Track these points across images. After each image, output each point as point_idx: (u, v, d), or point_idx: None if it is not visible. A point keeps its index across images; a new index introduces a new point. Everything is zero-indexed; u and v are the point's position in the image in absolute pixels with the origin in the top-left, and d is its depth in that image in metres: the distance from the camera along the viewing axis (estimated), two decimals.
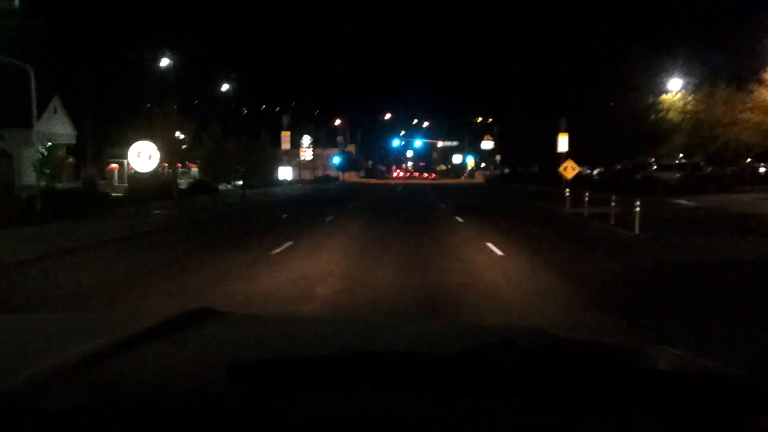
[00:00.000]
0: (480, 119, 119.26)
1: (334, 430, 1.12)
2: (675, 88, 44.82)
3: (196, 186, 38.06)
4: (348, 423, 1.15)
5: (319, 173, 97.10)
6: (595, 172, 62.41)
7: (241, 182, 44.72)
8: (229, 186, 48.45)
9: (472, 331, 2.60)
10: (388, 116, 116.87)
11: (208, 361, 1.64)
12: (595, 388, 1.21)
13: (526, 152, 71.39)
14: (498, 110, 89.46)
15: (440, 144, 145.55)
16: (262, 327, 2.32)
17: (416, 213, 27.88)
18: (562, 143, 47.10)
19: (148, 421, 1.14)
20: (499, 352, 1.38)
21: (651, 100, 46.92)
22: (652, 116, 46.18)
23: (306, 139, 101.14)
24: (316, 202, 36.28)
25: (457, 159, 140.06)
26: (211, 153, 34.44)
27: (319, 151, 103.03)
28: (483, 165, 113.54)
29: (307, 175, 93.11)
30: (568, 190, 28.15)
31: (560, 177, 62.67)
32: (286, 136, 48.99)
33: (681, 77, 45.57)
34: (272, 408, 1.21)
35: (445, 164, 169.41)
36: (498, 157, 79.80)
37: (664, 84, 45.67)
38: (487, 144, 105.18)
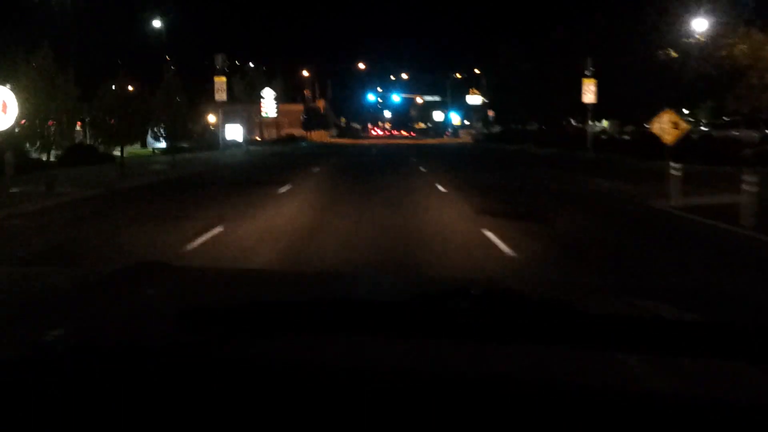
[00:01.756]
0: (461, 75, 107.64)
1: (286, 376, 1.11)
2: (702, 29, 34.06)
3: (74, 153, 26.53)
4: (299, 368, 1.14)
5: (284, 132, 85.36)
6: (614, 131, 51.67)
7: (161, 145, 33.22)
8: (152, 149, 36.96)
9: (431, 281, 2.91)
10: (362, 66, 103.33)
11: (156, 311, 1.63)
12: (541, 331, 1.27)
13: (524, 107, 60.32)
14: (488, 60, 77.94)
15: (420, 99, 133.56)
16: (211, 279, 2.25)
17: (394, 193, 16.97)
18: (589, 92, 36.20)
19: (98, 372, 1.13)
20: (453, 298, 1.45)
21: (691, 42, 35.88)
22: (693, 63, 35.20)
23: (268, 93, 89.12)
24: (265, 171, 25.73)
25: (438, 116, 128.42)
26: (107, 107, 23.31)
27: (283, 107, 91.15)
28: (467, 123, 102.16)
29: (270, 135, 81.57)
30: (674, 165, 14.97)
31: (570, 137, 52.08)
32: (220, 83, 37.01)
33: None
34: (220, 355, 1.19)
35: (425, 122, 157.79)
36: (491, 113, 68.48)
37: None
38: (473, 99, 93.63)
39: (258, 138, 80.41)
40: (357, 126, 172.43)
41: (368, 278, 2.91)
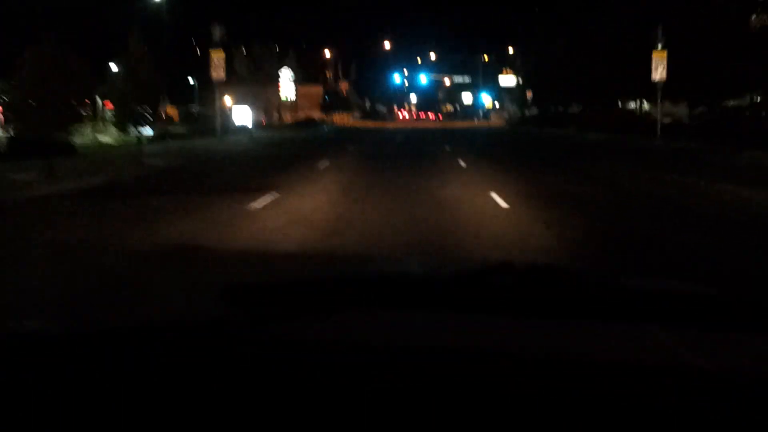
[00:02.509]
0: (492, 55, 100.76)
1: (334, 352, 1.11)
2: None
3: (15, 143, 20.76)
4: (346, 344, 1.15)
5: (305, 115, 79.64)
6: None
7: (146, 131, 27.63)
8: (138, 132, 31.37)
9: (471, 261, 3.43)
10: (387, 47, 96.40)
11: (198, 289, 1.62)
12: (584, 306, 1.32)
13: (565, 87, 53.84)
14: (524, 36, 71.42)
15: (448, 81, 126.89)
16: (250, 261, 2.20)
17: (433, 212, 10.90)
18: (660, 67, 29.91)
19: (146, 349, 1.13)
20: (496, 273, 1.47)
21: None
22: None
23: (286, 73, 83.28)
24: (257, 169, 20.05)
25: (467, 98, 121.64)
26: (27, 83, 17.68)
27: (303, 88, 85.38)
28: (497, 106, 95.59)
29: (289, 118, 75.95)
30: None
31: (622, 121, 45.62)
32: (218, 59, 30.94)
33: None
34: (269, 332, 1.20)
35: (453, 105, 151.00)
36: (530, 94, 62.08)
37: None
38: (506, 79, 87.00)
39: (276, 121, 74.90)
40: (382, 108, 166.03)
41: (410, 259, 3.18)
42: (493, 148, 33.31)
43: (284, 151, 28.31)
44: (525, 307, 1.29)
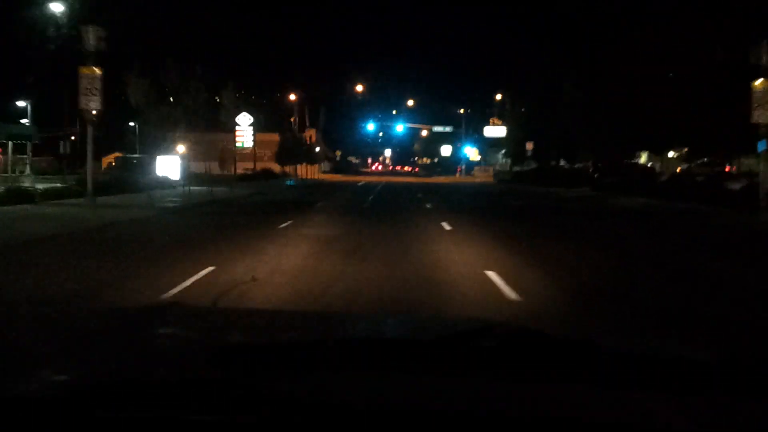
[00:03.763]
0: (475, 104, 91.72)
1: (320, 414, 1.14)
2: None
3: None
4: (332, 406, 1.17)
5: (264, 167, 69.24)
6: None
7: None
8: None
9: (452, 321, 3.20)
10: (359, 91, 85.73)
11: (184, 350, 1.63)
12: (565, 370, 1.34)
13: (582, 137, 44.10)
14: (521, 79, 62.08)
15: (427, 131, 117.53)
16: (229, 319, 2.28)
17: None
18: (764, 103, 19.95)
19: (135, 409, 1.15)
20: (476, 337, 1.50)
21: None
22: None
23: (243, 119, 73.18)
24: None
25: (446, 150, 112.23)
26: None
27: (263, 136, 75.08)
28: (479, 159, 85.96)
29: (242, 170, 65.46)
30: None
31: (665, 180, 34.89)
32: (88, 79, 20.07)
33: None
34: (257, 392, 1.21)
35: (430, 157, 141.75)
36: (530, 147, 52.18)
37: None
38: (494, 130, 77.46)
39: (227, 173, 64.49)
40: (354, 160, 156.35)
41: (390, 319, 3.03)
42: (491, 213, 23.21)
43: (221, 222, 17.84)
44: (506, 371, 1.31)
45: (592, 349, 1.48)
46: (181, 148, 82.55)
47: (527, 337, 1.53)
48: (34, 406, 1.14)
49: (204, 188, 35.73)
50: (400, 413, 1.11)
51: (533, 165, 61.91)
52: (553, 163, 57.53)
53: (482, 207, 27.63)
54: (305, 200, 28.68)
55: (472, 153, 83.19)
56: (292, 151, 65.99)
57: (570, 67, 46.54)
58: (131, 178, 33.73)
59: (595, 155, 46.22)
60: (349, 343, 1.52)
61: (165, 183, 33.64)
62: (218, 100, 75.64)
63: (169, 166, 36.33)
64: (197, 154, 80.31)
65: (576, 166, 51.55)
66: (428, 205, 25.02)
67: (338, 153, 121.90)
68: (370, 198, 31.58)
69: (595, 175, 45.90)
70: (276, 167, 70.93)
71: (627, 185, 37.14)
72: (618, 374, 1.33)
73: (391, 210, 24.04)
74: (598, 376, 1.32)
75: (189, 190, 33.79)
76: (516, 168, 64.06)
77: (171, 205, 24.75)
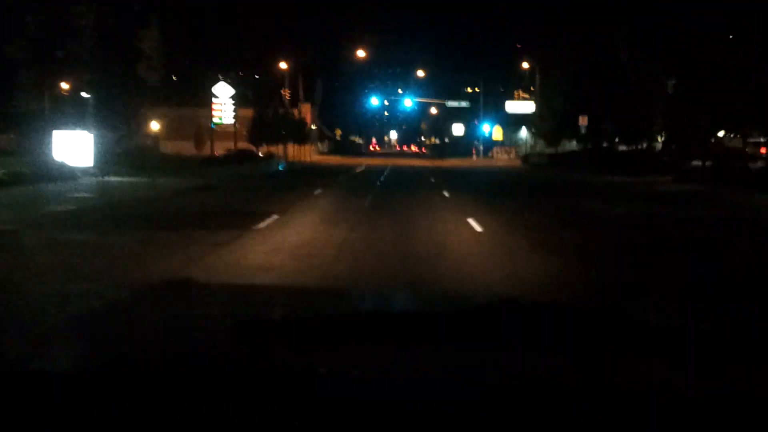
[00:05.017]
0: (493, 74, 79.31)
1: (342, 387, 1.13)
2: None
3: None
4: (354, 379, 1.16)
5: (245, 147, 58.05)
6: None
7: None
8: None
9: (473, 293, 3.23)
10: (361, 54, 71.68)
11: (202, 325, 1.62)
12: (588, 340, 1.36)
13: (643, 112, 32.94)
14: (551, 45, 50.67)
15: (437, 109, 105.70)
16: (243, 295, 2.23)
17: None
18: None
19: (155, 385, 1.14)
20: (499, 308, 1.49)
21: None
22: None
23: (222, 90, 61.60)
24: None
25: (458, 129, 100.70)
26: None
27: (245, 111, 63.69)
28: (493, 138, 74.23)
29: (224, 149, 54.69)
30: None
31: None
32: None
33: None
34: (279, 367, 1.21)
35: (439, 137, 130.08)
36: (584, 121, 40.60)
37: None
38: (517, 106, 65.82)
39: (200, 153, 53.31)
40: (357, 140, 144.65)
41: (408, 292, 3.12)
42: (570, 234, 12.28)
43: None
44: (529, 342, 1.31)
45: (611, 319, 1.46)
46: (154, 125, 70.22)
47: (544, 308, 1.49)
48: (41, 382, 1.13)
49: (129, 180, 24.42)
50: (421, 385, 1.10)
51: (570, 146, 50.47)
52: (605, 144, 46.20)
53: (546, 217, 16.30)
54: (254, 207, 17.37)
55: (495, 131, 71.22)
56: (275, 129, 54.60)
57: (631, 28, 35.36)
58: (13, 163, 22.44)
59: (671, 134, 34.83)
60: (370, 317, 1.48)
61: (63, 172, 22.36)
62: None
63: (74, 146, 24.78)
64: (170, 132, 68.79)
65: (638, 147, 40.14)
66: (473, 222, 13.61)
67: (338, 132, 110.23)
68: (367, 203, 19.25)
69: (667, 159, 34.65)
70: (265, 148, 59.58)
71: (718, 173, 26.63)
72: (634, 343, 1.33)
73: (405, 237, 12.69)
74: (614, 345, 1.31)
75: (99, 182, 22.60)
76: (550, 150, 52.58)
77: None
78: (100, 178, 23.54)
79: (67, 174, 22.46)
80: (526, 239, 11.23)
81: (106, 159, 28.26)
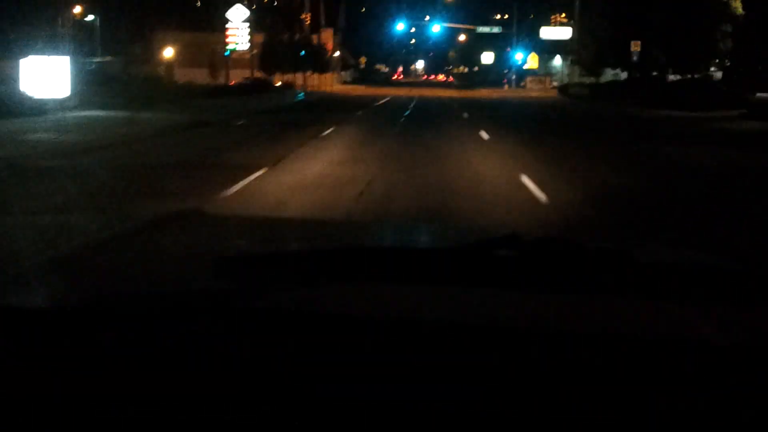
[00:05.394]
0: (516, 5, 73.19)
1: (329, 327, 1.07)
2: None
3: None
4: (344, 319, 1.10)
5: (261, 76, 54.17)
6: None
7: None
8: None
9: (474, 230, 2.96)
10: None
11: (193, 259, 1.57)
12: (594, 280, 1.25)
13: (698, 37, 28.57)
14: None
15: (465, 36, 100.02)
16: (249, 227, 2.18)
17: None
18: None
19: (132, 322, 1.10)
20: (501, 245, 1.38)
21: None
22: None
23: (236, 13, 57.34)
24: None
25: (487, 58, 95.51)
26: None
27: (268, 37, 59.39)
28: (527, 67, 69.26)
29: (241, 77, 51.00)
30: None
31: None
32: None
33: None
34: (260, 304, 1.15)
35: (468, 65, 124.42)
36: (636, 47, 36.08)
37: None
38: (553, 32, 60.86)
39: (213, 82, 49.66)
40: (383, 68, 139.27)
41: (411, 227, 2.93)
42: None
43: None
44: (532, 281, 1.22)
45: (625, 259, 1.35)
46: (168, 51, 65.89)
47: (554, 245, 1.40)
48: (24, 317, 1.10)
49: (111, 115, 20.94)
50: (410, 326, 1.05)
51: (611, 75, 45.99)
52: (654, 73, 41.88)
53: (626, 172, 12.55)
54: (240, 156, 13.79)
55: (530, 60, 66.07)
56: (292, 56, 50.56)
57: None
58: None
59: (738, 60, 30.49)
60: (362, 252, 1.39)
61: (31, 106, 18.86)
62: None
63: (45, 75, 21.06)
64: (185, 60, 64.75)
65: (693, 76, 35.77)
66: (529, 183, 9.86)
67: (363, 60, 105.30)
68: (385, 151, 15.10)
69: (727, 90, 30.43)
70: (285, 77, 55.54)
71: None
72: (652, 285, 1.23)
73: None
74: (630, 286, 1.23)
75: (70, 119, 19.31)
76: (588, 79, 48.07)
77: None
78: (78, 113, 20.10)
79: (34, 108, 18.99)
80: (620, 214, 7.64)
81: (95, 89, 24.76)
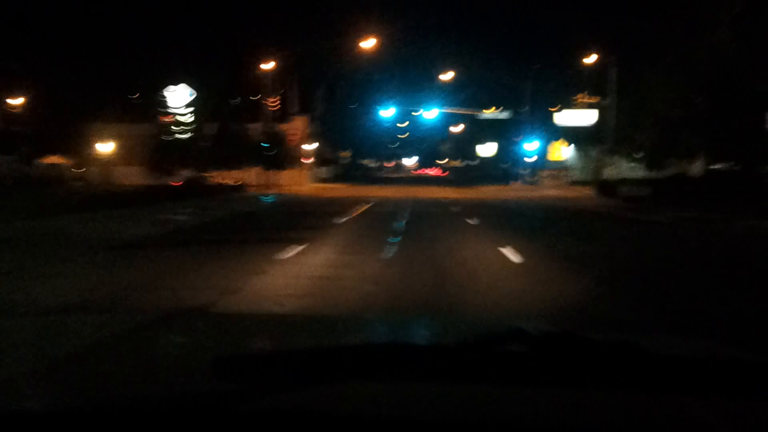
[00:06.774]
0: (541, 73, 61.37)
1: (331, 427, 1.06)
2: None
3: None
4: (348, 419, 1.09)
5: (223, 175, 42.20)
6: None
7: None
8: None
9: (481, 323, 2.88)
10: (371, 43, 52.07)
11: (193, 360, 1.57)
12: (605, 375, 1.23)
13: None
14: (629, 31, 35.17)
15: (456, 129, 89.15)
16: (249, 326, 2.15)
17: None
18: None
19: (132, 425, 1.10)
20: (509, 341, 1.36)
21: None
22: None
23: (177, 94, 45.60)
24: None
25: (486, 150, 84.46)
26: None
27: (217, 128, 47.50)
28: (527, 160, 57.39)
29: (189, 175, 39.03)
30: None
31: None
32: None
33: None
34: (258, 405, 1.14)
35: (462, 158, 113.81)
36: None
37: None
38: (573, 116, 49.12)
39: (135, 183, 37.73)
40: (370, 163, 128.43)
41: (414, 322, 2.83)
42: None
43: None
44: (540, 377, 1.20)
45: (633, 352, 1.33)
46: (108, 146, 52.50)
47: (561, 339, 1.36)
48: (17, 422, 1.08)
49: None
50: (421, 426, 1.03)
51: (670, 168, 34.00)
52: (718, 166, 30.50)
53: None
54: None
55: (552, 150, 53.56)
56: (241, 149, 38.58)
57: None
58: None
59: None
60: (366, 350, 1.34)
61: None
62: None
63: None
64: (127, 154, 52.43)
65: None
66: None
67: (345, 154, 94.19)
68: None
69: None
70: (238, 175, 43.32)
71: None
72: (660, 378, 1.21)
73: None
74: (638, 381, 1.20)
75: None
76: (636, 174, 36.02)
77: None
78: None
79: None
80: None
81: None
